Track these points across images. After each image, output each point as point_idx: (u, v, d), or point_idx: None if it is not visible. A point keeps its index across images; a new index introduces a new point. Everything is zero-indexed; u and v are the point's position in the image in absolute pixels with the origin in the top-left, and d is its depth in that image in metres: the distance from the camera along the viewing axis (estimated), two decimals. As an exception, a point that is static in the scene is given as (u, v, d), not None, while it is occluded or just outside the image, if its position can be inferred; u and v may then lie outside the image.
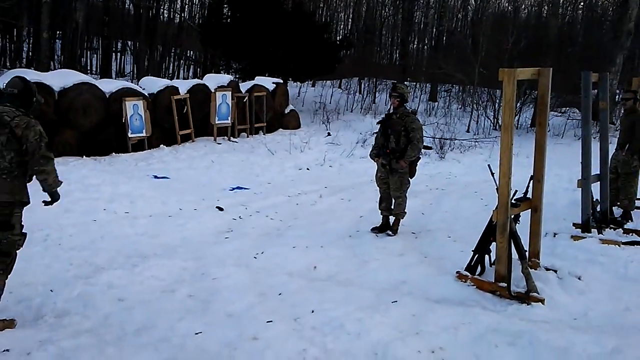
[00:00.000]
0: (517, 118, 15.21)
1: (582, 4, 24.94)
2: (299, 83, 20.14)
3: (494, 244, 4.53)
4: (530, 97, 15.85)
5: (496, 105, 16.10)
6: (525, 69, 4.66)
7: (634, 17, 15.25)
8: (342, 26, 30.81)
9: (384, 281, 4.61)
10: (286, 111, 14.56)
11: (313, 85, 22.38)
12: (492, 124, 15.66)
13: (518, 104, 14.75)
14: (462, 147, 12.88)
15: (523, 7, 25.53)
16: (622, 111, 6.74)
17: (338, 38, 24.20)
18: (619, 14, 16.85)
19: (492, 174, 4.59)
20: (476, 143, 13.33)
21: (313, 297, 4.15)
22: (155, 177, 8.79)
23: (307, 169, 10.66)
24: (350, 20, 29.86)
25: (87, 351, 3.27)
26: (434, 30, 27.02)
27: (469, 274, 4.62)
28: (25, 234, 3.70)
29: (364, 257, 5.26)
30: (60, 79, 9.84)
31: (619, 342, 3.38)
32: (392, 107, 6.11)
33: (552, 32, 17.33)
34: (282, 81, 14.94)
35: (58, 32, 20.92)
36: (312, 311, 3.88)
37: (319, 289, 4.35)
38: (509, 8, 24.75)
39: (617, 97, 15.45)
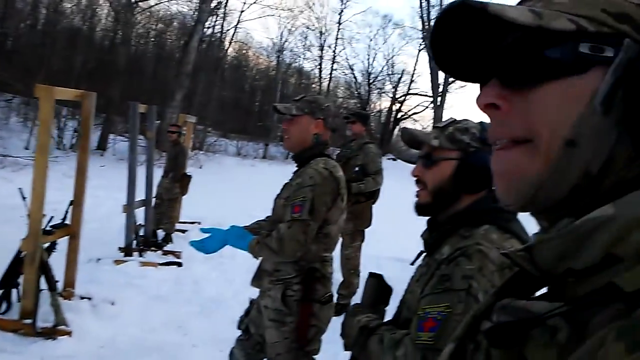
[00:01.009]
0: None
1: (152, 39, 26.82)
2: None
3: (22, 276, 4.09)
4: (101, 119, 15.79)
5: (61, 124, 15.27)
6: (67, 89, 4.52)
7: (192, 61, 17.39)
8: None
9: None
10: None
11: None
12: (55, 143, 14.73)
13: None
14: (18, 165, 11.56)
15: (98, 28, 25.35)
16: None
17: None
18: (181, 56, 18.90)
19: (24, 198, 4.18)
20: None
21: None
22: None
23: None
24: None
25: None
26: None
27: (-11, 313, 4.00)
28: None
29: None
30: None
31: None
32: None
33: (123, 60, 17.83)
34: None
35: None
36: None
37: None
38: (84, 26, 24.11)
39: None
